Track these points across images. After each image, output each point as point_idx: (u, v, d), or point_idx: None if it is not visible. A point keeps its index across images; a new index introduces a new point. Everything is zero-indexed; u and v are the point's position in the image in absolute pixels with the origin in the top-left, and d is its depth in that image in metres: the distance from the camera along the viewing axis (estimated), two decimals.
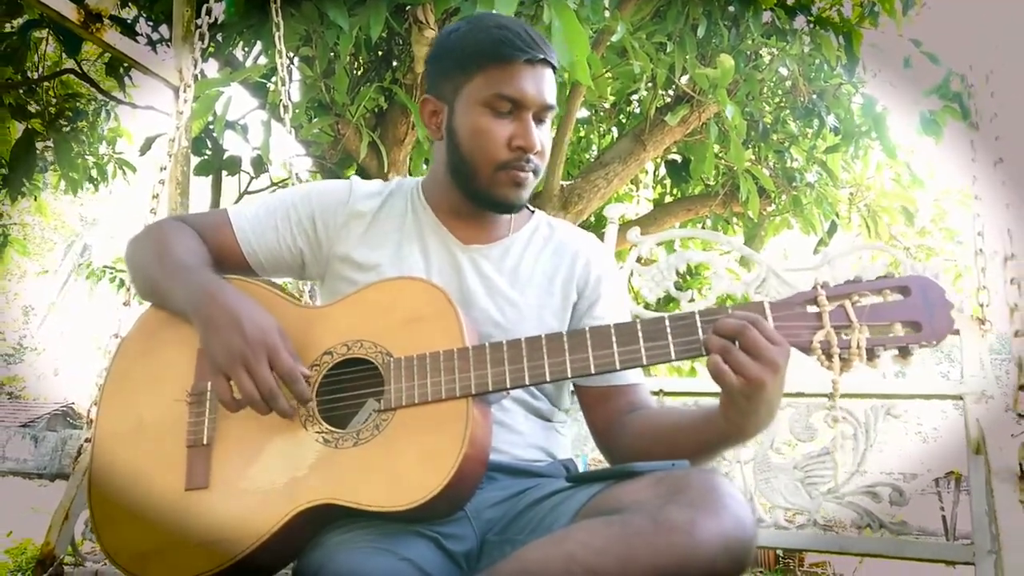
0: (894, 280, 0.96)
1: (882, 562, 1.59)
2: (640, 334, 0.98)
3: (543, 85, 1.14)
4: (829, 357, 0.94)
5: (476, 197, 1.19)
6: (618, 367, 0.98)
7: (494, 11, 2.29)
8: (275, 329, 1.03)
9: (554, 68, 1.17)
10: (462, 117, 1.15)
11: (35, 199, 5.82)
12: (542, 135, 1.16)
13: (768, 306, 0.97)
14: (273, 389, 1.00)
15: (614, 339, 0.99)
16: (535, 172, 1.17)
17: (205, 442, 1.04)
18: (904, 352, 0.94)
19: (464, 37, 1.16)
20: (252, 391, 0.99)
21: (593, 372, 0.99)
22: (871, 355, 0.94)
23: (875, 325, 0.94)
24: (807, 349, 0.95)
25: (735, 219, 5.68)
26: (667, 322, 0.98)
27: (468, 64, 1.14)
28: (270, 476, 1.00)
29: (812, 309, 0.96)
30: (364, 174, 3.97)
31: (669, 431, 1.09)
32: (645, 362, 0.98)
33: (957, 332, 1.61)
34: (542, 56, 1.13)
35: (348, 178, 1.32)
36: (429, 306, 1.05)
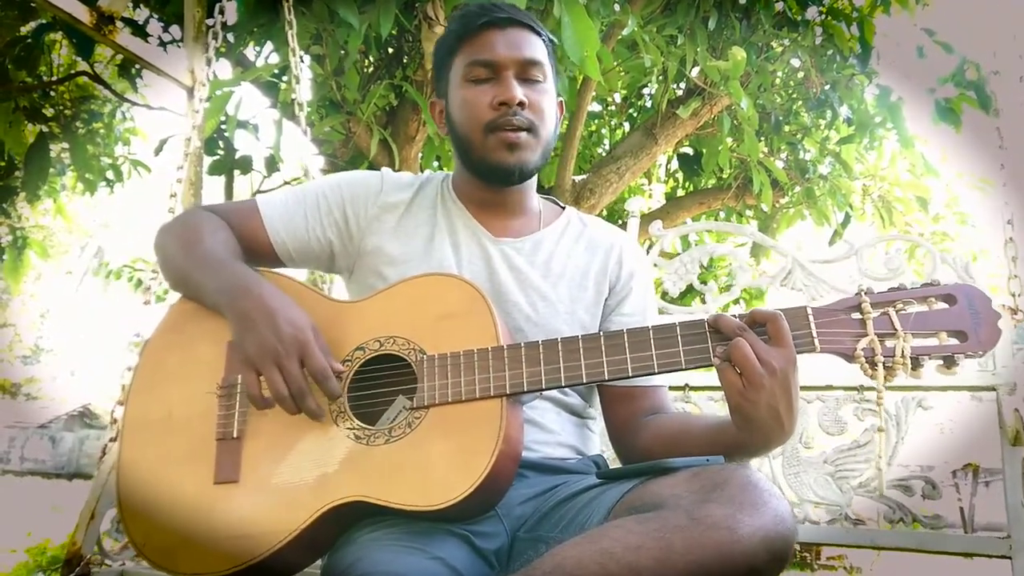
0: (939, 288, 0.94)
1: (898, 554, 1.56)
2: (680, 339, 0.97)
3: (516, 42, 1.15)
4: (873, 365, 0.92)
5: (478, 170, 1.19)
6: (656, 370, 0.97)
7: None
8: (309, 326, 1.02)
9: (531, 28, 1.17)
10: (452, 99, 1.19)
11: (55, 201, 5.85)
12: (531, 92, 1.14)
13: (811, 312, 0.96)
14: (302, 388, 0.99)
15: (652, 342, 0.97)
16: (529, 130, 1.14)
17: (235, 435, 1.03)
18: (949, 362, 0.92)
19: (443, 33, 1.22)
20: (282, 389, 0.98)
21: (630, 375, 0.98)
22: (915, 364, 0.92)
23: (920, 333, 0.92)
24: (850, 357, 0.93)
25: (748, 211, 5.64)
26: (706, 327, 0.97)
27: (447, 52, 1.19)
28: (300, 471, 0.99)
29: (855, 316, 0.94)
30: None
31: (685, 437, 1.09)
32: (684, 366, 0.97)
33: None
34: (504, 15, 1.14)
35: None
36: (463, 303, 1.03)
